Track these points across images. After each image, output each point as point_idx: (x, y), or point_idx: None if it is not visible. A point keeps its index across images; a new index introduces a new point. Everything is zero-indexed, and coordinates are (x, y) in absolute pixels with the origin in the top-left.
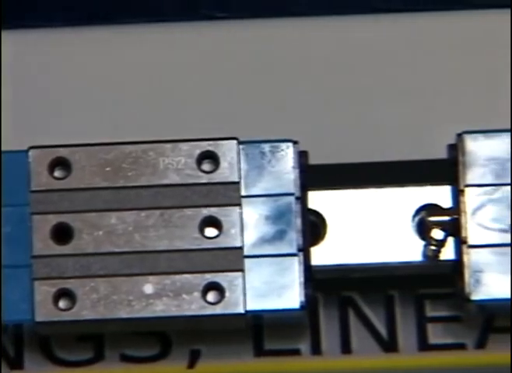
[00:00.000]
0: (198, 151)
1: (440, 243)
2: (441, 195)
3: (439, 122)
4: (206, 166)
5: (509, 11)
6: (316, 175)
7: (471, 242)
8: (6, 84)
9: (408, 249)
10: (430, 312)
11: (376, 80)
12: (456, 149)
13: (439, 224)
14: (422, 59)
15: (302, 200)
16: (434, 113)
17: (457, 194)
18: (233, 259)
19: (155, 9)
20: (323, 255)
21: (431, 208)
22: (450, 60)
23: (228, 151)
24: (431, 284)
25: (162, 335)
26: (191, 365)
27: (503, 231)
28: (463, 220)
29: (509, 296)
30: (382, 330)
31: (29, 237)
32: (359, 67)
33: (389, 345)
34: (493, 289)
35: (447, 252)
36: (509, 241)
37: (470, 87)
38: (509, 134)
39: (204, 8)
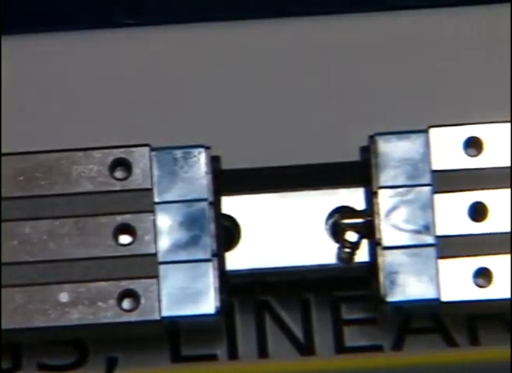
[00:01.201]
0: (110, 159)
1: (354, 245)
2: (354, 197)
3: (351, 124)
4: (119, 173)
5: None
6: (229, 180)
7: (385, 243)
8: None
9: (323, 252)
10: (346, 315)
11: (287, 83)
12: (368, 151)
13: (352, 227)
14: (334, 61)
15: (215, 205)
16: (346, 116)
17: (371, 196)
18: (148, 265)
19: (68, 18)
20: (237, 259)
21: (344, 211)
22: (362, 61)
23: (140, 157)
24: (346, 287)
25: (78, 343)
26: None
27: (417, 232)
28: (376, 222)
29: (424, 297)
30: (298, 334)
31: None
32: (271, 70)
33: (305, 348)
34: (409, 290)
35: (362, 255)
36: (422, 242)
37: (383, 88)
38: (420, 134)
39: (116, 15)
